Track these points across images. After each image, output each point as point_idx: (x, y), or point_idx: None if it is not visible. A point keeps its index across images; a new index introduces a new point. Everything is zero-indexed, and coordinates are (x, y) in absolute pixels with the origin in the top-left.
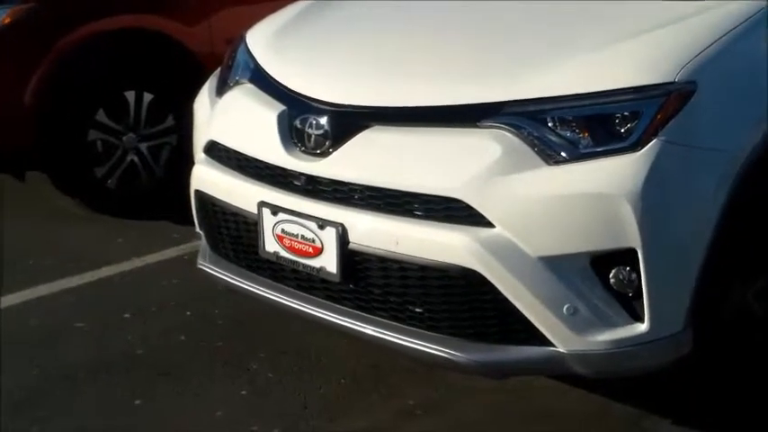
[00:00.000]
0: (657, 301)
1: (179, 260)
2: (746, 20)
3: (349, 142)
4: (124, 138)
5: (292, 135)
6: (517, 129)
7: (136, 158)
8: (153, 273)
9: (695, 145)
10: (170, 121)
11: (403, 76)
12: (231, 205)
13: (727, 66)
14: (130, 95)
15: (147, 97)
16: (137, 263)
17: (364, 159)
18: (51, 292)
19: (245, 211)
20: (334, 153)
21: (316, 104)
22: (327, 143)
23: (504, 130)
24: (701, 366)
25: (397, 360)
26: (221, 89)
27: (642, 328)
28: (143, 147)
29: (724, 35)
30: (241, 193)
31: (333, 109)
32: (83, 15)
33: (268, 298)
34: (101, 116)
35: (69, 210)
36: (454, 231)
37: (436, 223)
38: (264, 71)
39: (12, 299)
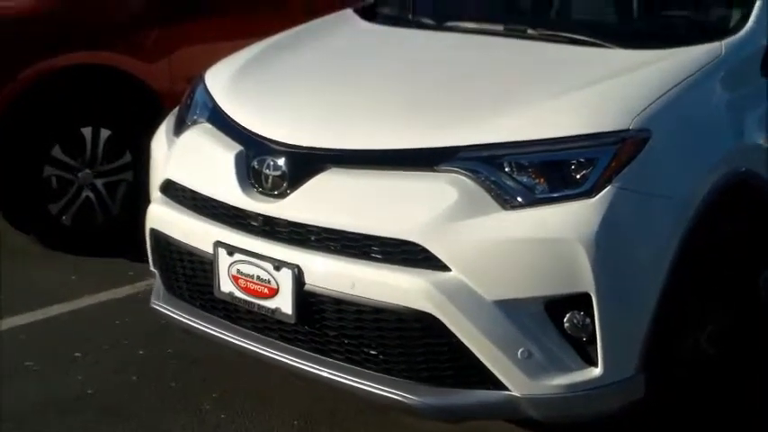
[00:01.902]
0: (611, 345)
1: (133, 298)
2: (700, 68)
3: (306, 184)
4: (80, 174)
5: (249, 176)
6: (473, 173)
7: (91, 195)
8: (106, 311)
9: (649, 192)
10: (127, 158)
11: (361, 120)
12: (186, 245)
13: (682, 114)
14: (87, 131)
15: (105, 133)
16: (89, 300)
17: (321, 201)
18: (0, 330)
19: (201, 250)
20: (292, 194)
21: (273, 146)
22: (285, 184)
23: (461, 174)
24: (653, 411)
25: (353, 403)
26: (179, 128)
27: (596, 372)
28: (99, 183)
29: (678, 83)
30: (197, 232)
31: (290, 150)
32: (39, 51)
33: (222, 339)
34: (56, 152)
35: (23, 246)
36: (410, 274)
37: (392, 266)
38: (223, 111)
39: None
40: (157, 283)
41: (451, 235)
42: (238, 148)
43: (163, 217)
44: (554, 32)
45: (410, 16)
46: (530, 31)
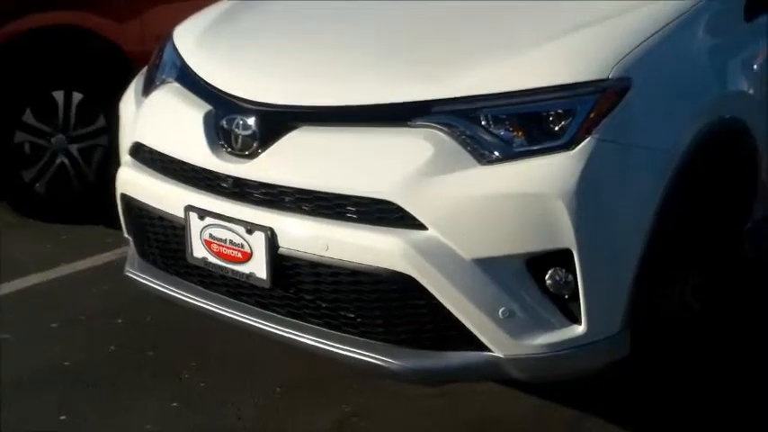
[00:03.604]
0: (594, 302)
1: (110, 266)
2: (681, 15)
3: (277, 143)
4: (53, 139)
5: (219, 136)
6: (449, 128)
7: (66, 161)
8: (83, 279)
9: (630, 143)
10: (101, 122)
11: (332, 75)
12: (157, 210)
13: (663, 62)
14: (59, 95)
15: (77, 97)
16: (66, 269)
17: (293, 161)
18: None
19: (172, 215)
20: (262, 154)
21: (243, 104)
22: (255, 144)
23: (436, 129)
24: (639, 367)
25: (335, 368)
26: (148, 89)
27: (579, 330)
28: (73, 148)
29: (659, 30)
30: (167, 196)
31: (260, 108)
32: (6, 12)
33: (197, 305)
34: (28, 117)
35: None
36: (385, 234)
37: (367, 226)
38: (191, 70)
39: None
40: (131, 250)
41: (427, 192)
42: (207, 107)
43: (132, 181)
44: None
45: None
46: None
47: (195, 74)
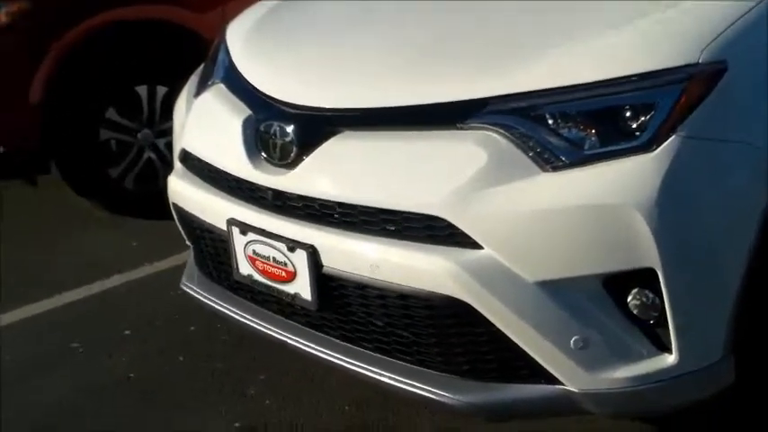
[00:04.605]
0: (687, 327)
1: None
2: None
3: (317, 151)
4: (139, 135)
5: (257, 144)
6: (507, 129)
7: (153, 156)
8: (163, 281)
9: (724, 139)
10: None
11: (375, 75)
12: (205, 222)
13: (766, 40)
14: (142, 90)
15: (161, 91)
16: (148, 270)
17: (334, 171)
18: (55, 307)
19: (218, 228)
20: (302, 164)
21: (281, 107)
22: (294, 152)
23: (491, 131)
24: (744, 396)
25: None
26: (200, 90)
27: (670, 360)
28: (160, 143)
29: (759, 3)
30: (211, 208)
31: (298, 112)
32: (85, 7)
33: (247, 324)
34: (111, 114)
35: (87, 213)
36: (435, 254)
37: (417, 244)
38: (237, 70)
39: (11, 316)
40: (190, 259)
41: (482, 206)
42: (247, 112)
43: (180, 191)
44: None
45: None
46: None
47: (240, 74)
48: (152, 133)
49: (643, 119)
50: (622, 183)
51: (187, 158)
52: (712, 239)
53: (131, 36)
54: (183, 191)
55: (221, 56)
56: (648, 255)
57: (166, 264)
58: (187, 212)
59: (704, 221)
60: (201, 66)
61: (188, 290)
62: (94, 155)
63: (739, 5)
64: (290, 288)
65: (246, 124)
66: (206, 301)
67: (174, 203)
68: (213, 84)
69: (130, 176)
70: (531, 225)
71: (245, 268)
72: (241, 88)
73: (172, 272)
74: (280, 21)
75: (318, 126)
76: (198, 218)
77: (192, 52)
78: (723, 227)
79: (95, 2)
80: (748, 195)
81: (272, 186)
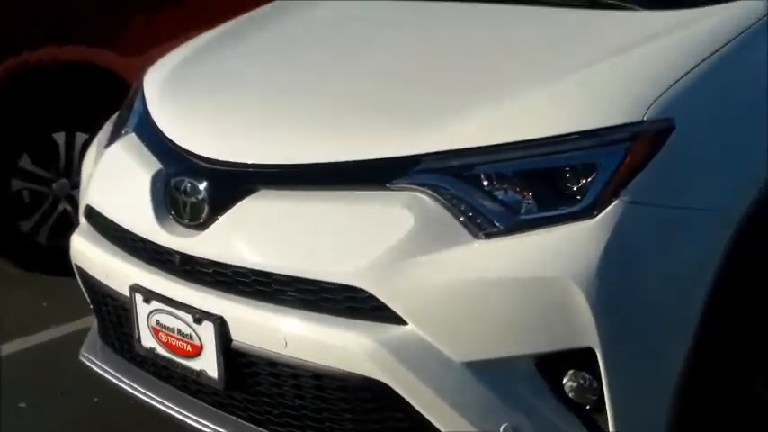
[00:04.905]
0: (626, 411)
1: None
2: (741, 32)
3: (231, 211)
4: (54, 185)
5: (167, 201)
6: (437, 190)
7: (69, 208)
8: (69, 346)
9: (672, 205)
10: None
11: (297, 128)
12: (107, 287)
13: (717, 95)
14: (60, 137)
15: (81, 138)
16: (54, 333)
17: (248, 234)
18: None
19: (121, 294)
20: (214, 225)
21: (193, 161)
22: (205, 212)
23: (420, 192)
24: None
25: None
26: (112, 139)
27: None
28: (77, 194)
29: (711, 54)
30: (115, 272)
31: (212, 167)
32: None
33: (149, 402)
34: (25, 162)
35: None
36: (353, 330)
37: (335, 318)
38: (151, 119)
39: None
40: (93, 327)
41: (406, 276)
42: (158, 165)
43: (83, 251)
44: None
45: None
46: None
47: (154, 124)
48: (69, 183)
49: (584, 181)
50: (560, 253)
51: (92, 215)
52: (657, 315)
53: (50, 79)
54: (87, 251)
55: (137, 103)
56: (587, 333)
57: (76, 326)
58: (89, 276)
59: (649, 296)
60: (117, 113)
61: (87, 361)
62: (5, 207)
63: (687, 59)
64: (194, 364)
65: (156, 179)
66: (105, 374)
67: (76, 265)
68: (126, 133)
69: (44, 230)
70: (460, 299)
71: (147, 340)
72: (154, 139)
73: (81, 335)
74: (200, 66)
75: (233, 183)
76: (100, 282)
77: (117, 98)
78: (670, 302)
79: (10, 42)
80: (697, 265)
81: (180, 249)
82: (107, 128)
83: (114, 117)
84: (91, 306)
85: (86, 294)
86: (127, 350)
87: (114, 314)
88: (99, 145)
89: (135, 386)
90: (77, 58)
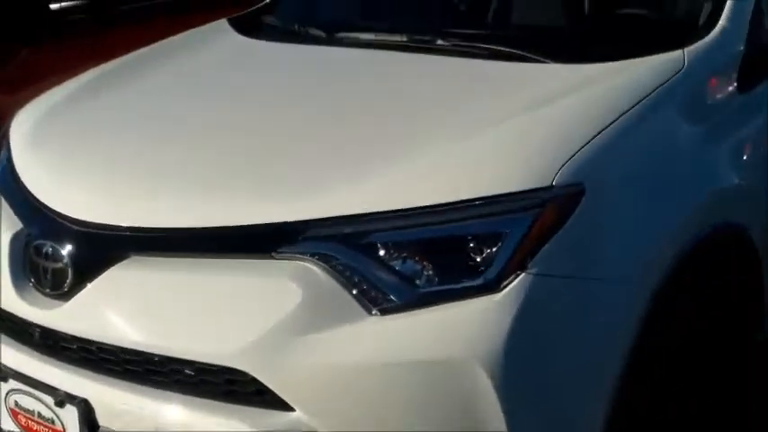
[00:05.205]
0: None
1: None
2: (654, 89)
3: (98, 279)
4: None
5: (26, 267)
6: (327, 260)
7: None
8: None
9: (582, 276)
10: None
11: (175, 189)
12: None
13: (630, 157)
14: None
15: None
16: None
17: (116, 306)
18: None
19: None
20: (79, 295)
21: (57, 221)
22: (69, 280)
23: (309, 261)
24: None
25: None
26: None
27: None
28: None
29: (623, 113)
30: None
31: (77, 229)
32: None
33: None
34: None
35: None
36: (233, 418)
37: (214, 403)
38: (15, 172)
39: None
40: None
41: (294, 358)
42: (18, 225)
43: None
44: (468, 44)
45: (296, 26)
46: (439, 43)
47: (18, 178)
48: None
49: (488, 252)
50: (462, 331)
51: None
52: (570, 395)
53: None
54: None
55: (3, 152)
56: (492, 419)
57: None
58: None
59: (560, 376)
60: None
61: None
62: None
63: (601, 117)
64: None
65: (15, 241)
66: None
67: None
68: None
69: None
70: (352, 383)
71: (6, 423)
72: (16, 195)
73: None
74: (75, 111)
75: (100, 248)
76: None
77: None
78: (583, 381)
79: None
80: (612, 338)
81: (40, 322)
82: None
83: None
84: None
85: None
86: None
87: None
88: None
89: None
90: None
